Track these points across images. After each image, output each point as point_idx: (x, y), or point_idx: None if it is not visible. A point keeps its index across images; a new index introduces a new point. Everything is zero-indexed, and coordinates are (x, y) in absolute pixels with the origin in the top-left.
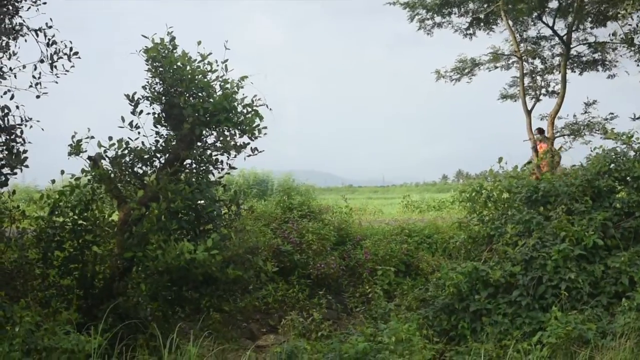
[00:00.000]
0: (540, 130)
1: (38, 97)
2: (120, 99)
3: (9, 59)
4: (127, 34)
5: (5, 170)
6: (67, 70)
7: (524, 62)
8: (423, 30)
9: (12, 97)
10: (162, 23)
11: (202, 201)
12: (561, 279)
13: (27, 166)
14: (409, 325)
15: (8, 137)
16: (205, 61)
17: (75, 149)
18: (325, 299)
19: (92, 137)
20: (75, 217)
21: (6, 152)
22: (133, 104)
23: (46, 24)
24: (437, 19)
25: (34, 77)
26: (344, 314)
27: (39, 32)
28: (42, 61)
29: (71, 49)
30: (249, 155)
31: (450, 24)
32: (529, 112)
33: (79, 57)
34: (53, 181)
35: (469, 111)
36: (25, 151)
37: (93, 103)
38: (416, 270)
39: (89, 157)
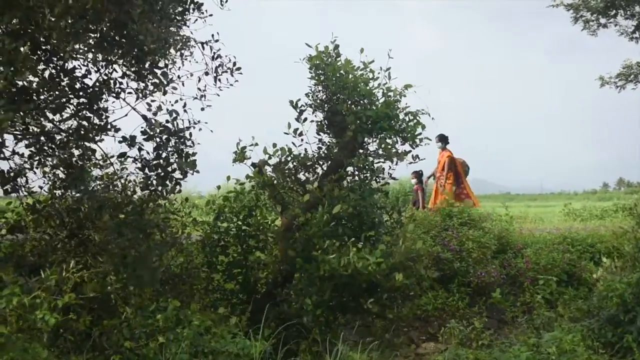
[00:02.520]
0: None
1: (203, 109)
2: (280, 107)
3: (179, 68)
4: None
5: (177, 175)
6: (230, 84)
7: None
8: (587, 30)
9: (184, 106)
10: (322, 31)
11: (365, 208)
12: None
13: (197, 171)
14: (573, 336)
15: (177, 140)
16: (368, 69)
17: (240, 155)
18: (485, 307)
19: (256, 144)
20: (239, 222)
21: (176, 156)
22: (297, 111)
23: (212, 36)
24: (602, 20)
25: (199, 89)
26: (504, 324)
27: (205, 45)
28: (206, 73)
29: (234, 63)
30: (410, 163)
31: (615, 25)
32: None
33: (241, 73)
34: (219, 187)
35: (632, 117)
36: (194, 154)
37: (252, 110)
38: (579, 280)
39: (253, 164)
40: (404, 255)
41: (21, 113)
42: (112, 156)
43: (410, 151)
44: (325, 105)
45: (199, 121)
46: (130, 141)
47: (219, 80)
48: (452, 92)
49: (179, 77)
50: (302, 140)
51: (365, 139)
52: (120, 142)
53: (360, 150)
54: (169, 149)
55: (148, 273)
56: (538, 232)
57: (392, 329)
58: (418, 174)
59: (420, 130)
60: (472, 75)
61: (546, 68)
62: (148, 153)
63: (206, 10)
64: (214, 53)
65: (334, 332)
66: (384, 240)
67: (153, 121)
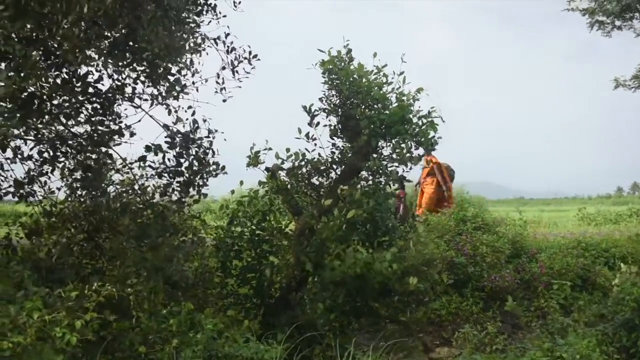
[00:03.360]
0: None
1: (224, 100)
2: (292, 112)
3: (193, 75)
4: (300, 47)
5: (199, 182)
6: (248, 73)
7: None
8: (601, 31)
9: (193, 114)
10: (334, 35)
11: (380, 212)
12: None
13: (226, 172)
14: (588, 341)
15: (198, 149)
16: (381, 73)
17: (254, 160)
18: (499, 312)
19: (270, 149)
20: (253, 227)
21: (197, 164)
22: (310, 116)
23: (225, 33)
24: (617, 22)
25: (217, 82)
26: (519, 328)
27: (217, 40)
28: (223, 68)
29: (250, 52)
30: (424, 167)
31: (631, 28)
32: None
33: (259, 59)
34: (232, 192)
35: None
36: (215, 162)
37: (265, 115)
38: (593, 285)
39: (267, 169)
40: (416, 259)
41: (33, 119)
42: (130, 162)
43: (424, 155)
44: (339, 109)
45: (216, 130)
46: (156, 149)
47: (237, 72)
48: (466, 95)
49: (193, 83)
50: (315, 144)
51: (379, 143)
52: (146, 150)
53: (374, 155)
54: (191, 156)
55: (166, 277)
56: (552, 236)
57: (406, 333)
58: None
59: (433, 134)
60: (486, 78)
61: (562, 71)
62: (169, 160)
63: (220, 12)
64: (228, 47)
65: (347, 337)
66: (397, 245)
67: (174, 130)
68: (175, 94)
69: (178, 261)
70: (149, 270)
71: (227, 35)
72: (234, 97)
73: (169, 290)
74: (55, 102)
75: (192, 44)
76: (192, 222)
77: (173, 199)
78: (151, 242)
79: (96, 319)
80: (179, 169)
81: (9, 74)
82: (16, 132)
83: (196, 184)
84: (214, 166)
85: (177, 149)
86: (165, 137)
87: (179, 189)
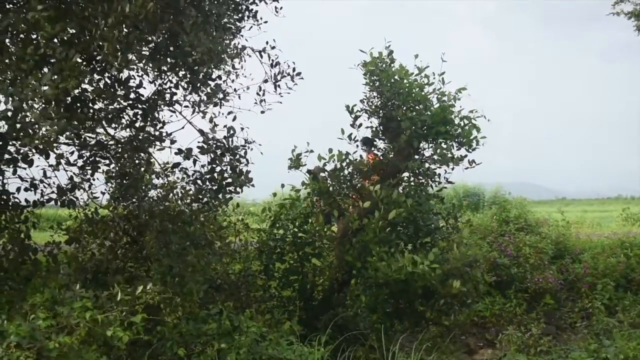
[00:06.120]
0: None
1: (263, 112)
2: (331, 113)
3: (233, 81)
4: (338, 48)
5: (230, 189)
6: (290, 89)
7: None
8: None
9: (234, 119)
10: (372, 37)
11: (421, 214)
12: None
13: (253, 185)
14: (637, 343)
15: (232, 158)
16: (422, 74)
17: (295, 162)
18: (543, 313)
19: (312, 151)
20: (295, 229)
21: (230, 172)
22: (352, 117)
23: (269, 44)
24: None
25: (258, 94)
26: (563, 330)
27: (262, 53)
28: (265, 81)
29: (294, 69)
30: (467, 168)
31: None
32: None
33: (302, 78)
34: (274, 194)
35: None
36: (248, 172)
37: (305, 116)
38: (638, 285)
39: (309, 171)
40: (459, 261)
41: (75, 122)
42: (167, 168)
43: (466, 155)
44: (380, 111)
45: (253, 141)
46: (186, 154)
47: (279, 86)
48: (505, 95)
49: (235, 90)
50: (357, 146)
51: (421, 144)
52: (176, 153)
53: (416, 156)
54: (224, 164)
55: (195, 282)
56: (596, 237)
57: (449, 335)
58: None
59: (475, 134)
60: (524, 78)
61: (600, 72)
62: (203, 166)
63: (261, 18)
64: (272, 60)
65: (390, 339)
66: (439, 246)
67: (210, 136)
68: (217, 101)
69: (221, 264)
70: (180, 275)
71: (272, 47)
72: (279, 102)
73: (211, 293)
74: (97, 106)
75: (233, 50)
76: (234, 226)
77: (206, 205)
78: (178, 248)
79: (142, 320)
80: (212, 175)
81: (53, 77)
82: (62, 139)
83: (226, 191)
84: (243, 177)
85: (211, 155)
86: (199, 142)
87: (209, 195)
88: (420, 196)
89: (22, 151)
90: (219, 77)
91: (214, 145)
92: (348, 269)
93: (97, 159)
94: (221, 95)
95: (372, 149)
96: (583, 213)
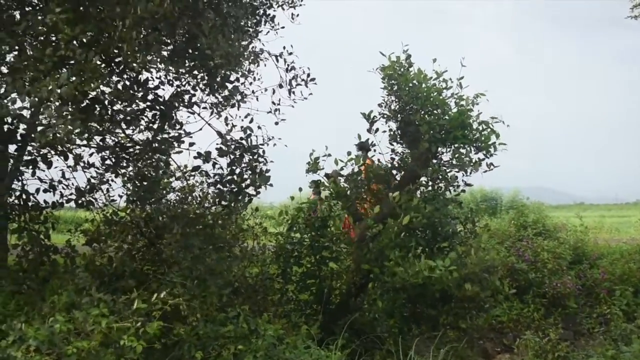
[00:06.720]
0: None
1: (277, 123)
2: (348, 115)
3: (251, 83)
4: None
5: (250, 190)
6: (305, 98)
7: None
8: None
9: (251, 121)
10: (389, 41)
11: (439, 218)
12: None
13: (271, 185)
14: None
15: (251, 157)
16: (440, 78)
17: (313, 166)
18: (561, 318)
19: (329, 155)
20: (313, 233)
21: (250, 172)
22: (369, 122)
23: (286, 50)
24: None
25: (273, 103)
26: (581, 335)
27: (279, 57)
28: (280, 86)
29: (308, 75)
30: (485, 171)
31: None
32: None
33: (315, 83)
34: (292, 198)
35: None
36: (267, 170)
37: (322, 120)
38: None
39: (326, 174)
40: (477, 265)
41: (94, 124)
42: (186, 171)
43: (484, 159)
44: (399, 115)
45: (272, 137)
46: (205, 157)
47: (293, 92)
48: (523, 100)
49: (253, 92)
50: (374, 150)
51: (439, 149)
52: (195, 157)
53: (434, 160)
54: (243, 165)
55: (215, 285)
56: (614, 242)
57: (466, 340)
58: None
59: (494, 139)
60: (542, 82)
61: (619, 76)
62: (222, 168)
63: (278, 23)
64: (288, 65)
65: (407, 343)
66: (457, 250)
67: (228, 137)
68: (234, 103)
69: (239, 267)
70: (198, 277)
71: (290, 53)
72: (297, 102)
73: (229, 296)
74: (115, 107)
75: (251, 53)
76: (252, 229)
77: (226, 208)
78: (199, 252)
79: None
80: (232, 177)
81: (71, 78)
82: (78, 140)
83: (246, 193)
84: (260, 178)
85: (230, 157)
86: (218, 144)
87: (229, 197)
88: (438, 201)
89: (41, 152)
90: (237, 79)
91: (233, 147)
92: (365, 273)
93: (117, 160)
94: (239, 97)
95: (368, 154)
96: (601, 218)
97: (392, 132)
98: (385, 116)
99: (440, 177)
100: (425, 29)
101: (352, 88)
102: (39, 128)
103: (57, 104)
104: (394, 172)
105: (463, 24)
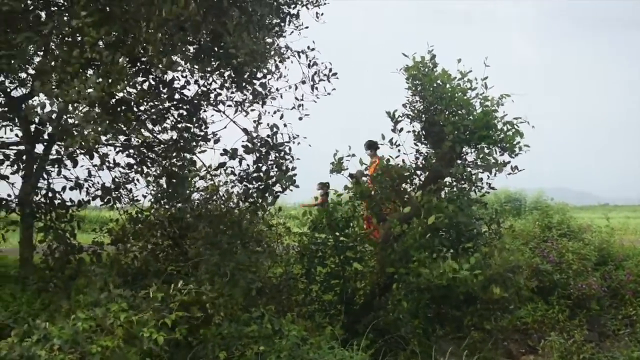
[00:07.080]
0: None
1: (300, 119)
2: (372, 115)
3: (277, 80)
4: (380, 53)
5: (277, 189)
6: (328, 93)
7: None
8: None
9: (281, 117)
10: (414, 42)
11: (464, 219)
12: None
13: (297, 186)
14: None
15: (277, 155)
16: (465, 78)
17: (337, 166)
18: (586, 320)
19: (354, 155)
20: (337, 233)
21: (276, 170)
22: (393, 122)
23: (308, 46)
24: None
25: (296, 98)
26: (606, 337)
27: (301, 54)
28: (303, 82)
29: (330, 69)
30: (509, 174)
31: None
32: None
33: (337, 78)
34: (316, 198)
35: None
36: (294, 168)
37: (346, 120)
38: None
39: (350, 175)
40: (501, 266)
41: (120, 125)
42: (212, 170)
43: (509, 162)
44: (423, 115)
45: (297, 135)
46: (232, 154)
47: (316, 88)
48: (547, 101)
49: (277, 89)
50: (399, 150)
51: (464, 149)
52: (221, 154)
53: (459, 161)
54: (269, 162)
55: (244, 283)
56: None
57: (491, 341)
58: (325, 186)
59: (519, 140)
60: (564, 83)
61: None
62: (248, 166)
63: (302, 23)
64: (310, 61)
65: (431, 344)
66: (481, 251)
67: (254, 134)
68: (262, 99)
69: (262, 267)
70: (223, 276)
71: (312, 49)
72: (318, 101)
73: (252, 296)
74: (142, 108)
75: (276, 51)
76: (276, 229)
77: (253, 205)
78: (227, 249)
79: (183, 322)
80: (258, 174)
81: (98, 80)
82: (104, 138)
83: (272, 190)
84: (286, 179)
85: (256, 154)
86: (244, 142)
87: (256, 194)
88: (462, 201)
89: (68, 151)
90: (264, 75)
91: (259, 144)
92: (390, 273)
93: (142, 159)
94: (265, 93)
95: (376, 152)
96: (626, 219)
97: (416, 132)
98: (409, 116)
99: (464, 177)
100: (448, 31)
101: (373, 88)
102: (67, 129)
103: (84, 105)
104: (419, 172)
105: (487, 25)
